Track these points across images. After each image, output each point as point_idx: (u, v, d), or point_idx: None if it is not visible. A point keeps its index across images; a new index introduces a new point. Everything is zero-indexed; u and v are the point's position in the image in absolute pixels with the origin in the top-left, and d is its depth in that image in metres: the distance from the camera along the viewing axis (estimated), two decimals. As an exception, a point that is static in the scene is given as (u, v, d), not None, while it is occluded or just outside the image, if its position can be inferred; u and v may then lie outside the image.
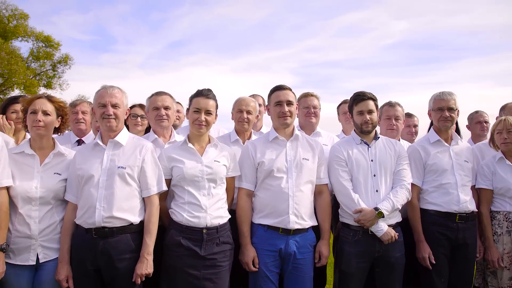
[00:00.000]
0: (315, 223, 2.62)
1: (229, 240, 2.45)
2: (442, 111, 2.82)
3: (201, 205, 2.36)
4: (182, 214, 2.36)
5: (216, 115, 2.59)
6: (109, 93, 2.34)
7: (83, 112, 3.33)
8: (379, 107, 3.24)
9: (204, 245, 2.33)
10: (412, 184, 2.78)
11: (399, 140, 3.19)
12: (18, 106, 2.69)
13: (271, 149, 2.62)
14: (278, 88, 2.66)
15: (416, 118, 3.74)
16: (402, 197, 2.59)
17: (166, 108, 2.80)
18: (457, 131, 3.72)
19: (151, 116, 2.84)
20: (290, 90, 2.70)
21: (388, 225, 2.58)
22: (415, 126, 3.72)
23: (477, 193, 2.91)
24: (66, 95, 29.33)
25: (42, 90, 26.65)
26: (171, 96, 2.89)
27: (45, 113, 2.33)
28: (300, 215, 2.50)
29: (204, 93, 2.47)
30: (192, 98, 2.52)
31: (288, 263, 2.51)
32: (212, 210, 2.38)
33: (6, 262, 2.18)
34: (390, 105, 3.16)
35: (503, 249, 2.74)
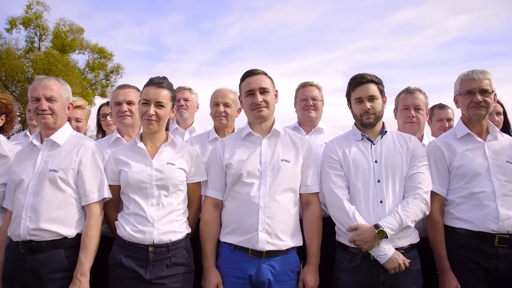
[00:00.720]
0: (300, 243, 2.07)
1: (185, 261, 2.00)
2: (473, 94, 2.12)
3: (147, 217, 1.94)
4: (125, 228, 1.96)
5: (175, 108, 2.17)
6: (42, 84, 2.03)
7: None
8: (397, 96, 2.64)
9: (150, 267, 1.91)
10: (433, 193, 2.12)
11: (422, 137, 2.53)
12: None
13: (243, 148, 2.13)
14: (249, 74, 2.14)
15: (450, 110, 3.02)
16: (415, 210, 1.95)
17: (129, 103, 2.43)
18: (506, 124, 2.93)
19: (113, 113, 2.50)
20: (265, 74, 2.18)
21: (398, 248, 1.96)
22: (450, 119, 3.00)
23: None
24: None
25: (97, 99, 28.54)
26: (137, 90, 2.53)
27: None
28: (275, 232, 1.97)
29: (155, 82, 2.05)
30: (143, 88, 2.12)
31: None
32: (161, 224, 1.95)
33: None
34: (408, 91, 2.51)
35: None
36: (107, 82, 29.76)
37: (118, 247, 1.97)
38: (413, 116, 2.46)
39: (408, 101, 2.49)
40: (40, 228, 1.89)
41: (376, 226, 1.91)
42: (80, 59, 34.42)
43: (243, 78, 2.17)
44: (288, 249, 2.02)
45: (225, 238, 2.06)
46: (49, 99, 2.02)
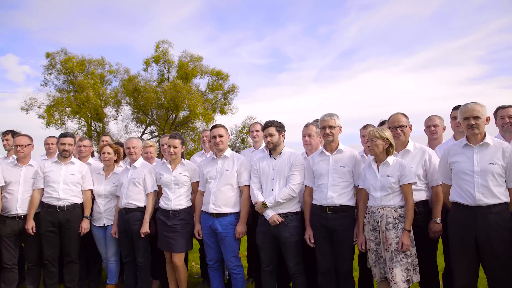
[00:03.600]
0: (234, 211, 4.40)
1: (186, 217, 4.57)
2: (324, 129, 4.10)
3: (169, 197, 4.62)
4: (161, 202, 4.69)
5: (183, 147, 4.82)
6: (130, 141, 4.93)
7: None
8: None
9: (170, 219, 4.57)
10: (306, 186, 4.21)
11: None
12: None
13: (211, 165, 4.62)
14: (213, 127, 4.63)
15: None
16: (284, 193, 4.07)
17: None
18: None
19: (162, 150, 5.32)
20: (223, 127, 4.61)
21: (280, 214, 4.12)
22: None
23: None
24: (237, 118, 36.31)
25: (218, 116, 34.07)
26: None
27: (108, 153, 5.14)
28: (218, 204, 4.36)
29: (171, 136, 4.75)
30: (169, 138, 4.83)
31: (218, 236, 4.43)
32: (175, 201, 4.58)
33: (92, 225, 5.07)
34: (305, 125, 4.59)
35: (367, 237, 3.77)
36: (225, 100, 35.02)
37: (159, 211, 4.70)
38: (307, 141, 4.53)
39: (303, 132, 4.57)
40: (128, 202, 4.76)
41: (263, 202, 4.15)
42: (201, 82, 41.17)
43: (211, 129, 4.67)
44: (227, 213, 4.37)
45: (202, 208, 4.59)
46: (134, 148, 4.93)
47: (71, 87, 30.77)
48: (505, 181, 3.29)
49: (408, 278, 3.45)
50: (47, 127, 29.21)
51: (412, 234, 3.55)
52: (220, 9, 52.89)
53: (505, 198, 3.25)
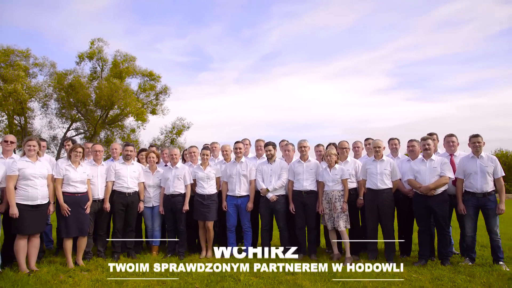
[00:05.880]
0: (247, 193, 7.58)
1: (215, 199, 7.57)
2: (301, 148, 7.51)
3: (204, 187, 7.57)
4: (198, 190, 7.62)
5: (211, 154, 7.81)
6: (173, 150, 7.78)
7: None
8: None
9: (205, 200, 7.53)
10: (289, 180, 7.56)
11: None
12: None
13: (233, 167, 7.71)
14: (236, 142, 7.76)
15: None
16: (278, 184, 7.38)
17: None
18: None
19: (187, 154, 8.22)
20: (242, 142, 7.78)
21: (276, 195, 7.42)
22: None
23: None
24: (167, 118, 38.10)
25: (149, 116, 35.69)
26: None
27: (153, 158, 7.88)
28: (240, 190, 7.50)
29: (204, 147, 7.73)
30: (201, 149, 7.78)
31: (238, 208, 7.56)
32: (208, 189, 7.54)
33: (144, 206, 7.77)
34: (285, 144, 7.97)
35: (323, 207, 7.27)
36: (157, 101, 36.74)
37: (196, 195, 7.63)
38: (287, 154, 7.91)
39: (283, 148, 7.95)
40: (174, 190, 7.57)
41: (266, 188, 7.41)
42: (132, 82, 41.91)
43: (234, 143, 7.79)
44: (244, 195, 7.54)
45: (228, 193, 7.67)
46: (175, 155, 7.74)
47: (-9, 78, 29.77)
48: (391, 177, 7.03)
49: (346, 226, 7.03)
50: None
51: (347, 204, 7.13)
52: (141, 1, 52.79)
53: (390, 185, 7.00)
